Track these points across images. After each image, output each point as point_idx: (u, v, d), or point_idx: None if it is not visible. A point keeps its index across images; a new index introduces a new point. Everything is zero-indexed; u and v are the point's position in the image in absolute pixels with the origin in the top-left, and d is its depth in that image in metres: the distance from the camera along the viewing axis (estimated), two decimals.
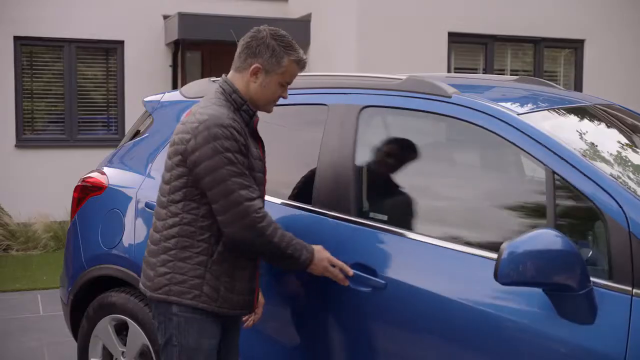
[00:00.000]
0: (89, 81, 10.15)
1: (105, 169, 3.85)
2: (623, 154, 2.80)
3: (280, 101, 2.77)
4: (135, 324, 3.46)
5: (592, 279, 2.28)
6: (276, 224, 2.59)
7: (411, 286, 2.64)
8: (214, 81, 3.62)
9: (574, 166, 2.43)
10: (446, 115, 2.79)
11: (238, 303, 2.68)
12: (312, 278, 2.77)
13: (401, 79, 2.95)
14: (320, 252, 2.69)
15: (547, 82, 3.77)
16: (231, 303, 2.66)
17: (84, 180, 3.88)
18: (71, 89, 9.94)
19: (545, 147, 2.50)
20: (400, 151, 3.04)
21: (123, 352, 3.57)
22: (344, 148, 2.97)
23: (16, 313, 6.04)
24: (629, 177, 2.59)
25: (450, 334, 2.55)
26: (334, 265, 2.71)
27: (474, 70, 9.63)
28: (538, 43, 9.77)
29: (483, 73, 9.50)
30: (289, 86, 2.73)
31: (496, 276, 2.21)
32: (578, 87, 10.01)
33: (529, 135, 2.55)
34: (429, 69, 8.72)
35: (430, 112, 2.84)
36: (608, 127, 3.09)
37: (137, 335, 3.46)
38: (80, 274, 3.73)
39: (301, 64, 2.68)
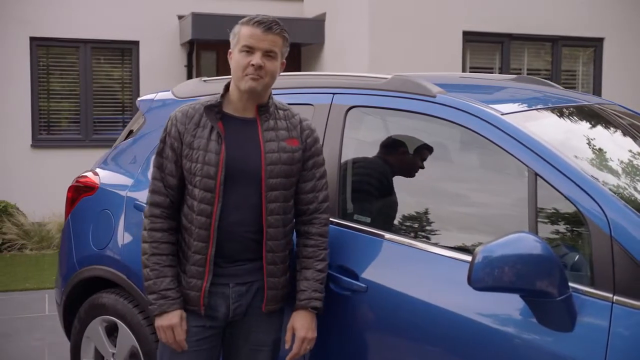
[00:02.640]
0: (105, 81, 10.20)
1: (98, 170, 3.84)
2: (612, 155, 2.72)
3: None
4: (124, 326, 3.44)
5: (573, 285, 2.22)
6: (155, 239, 2.62)
7: (391, 290, 2.58)
8: (205, 81, 3.59)
9: (555, 167, 2.35)
10: (430, 115, 2.72)
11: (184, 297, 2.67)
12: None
13: (386, 79, 2.90)
14: (171, 317, 2.59)
15: (546, 81, 3.69)
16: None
17: (77, 180, 3.87)
18: (87, 89, 10.00)
19: (527, 147, 2.43)
20: (386, 152, 2.98)
21: (114, 354, 3.54)
22: (330, 149, 2.92)
23: (22, 312, 6.07)
24: (615, 179, 2.51)
25: (430, 339, 2.48)
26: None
27: (489, 69, 9.52)
28: (556, 42, 9.63)
29: (499, 73, 9.39)
30: (288, 86, 2.73)
31: (469, 281, 2.14)
32: (597, 86, 9.85)
33: (511, 136, 2.47)
34: (443, 69, 8.63)
35: (415, 112, 2.77)
36: (601, 127, 3.00)
37: (126, 337, 3.44)
38: (72, 275, 3.72)
39: (251, 22, 2.55)
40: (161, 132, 2.70)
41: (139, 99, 3.98)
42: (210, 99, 2.66)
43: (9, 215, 8.81)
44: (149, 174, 3.09)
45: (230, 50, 2.64)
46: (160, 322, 2.59)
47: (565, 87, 9.68)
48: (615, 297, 2.16)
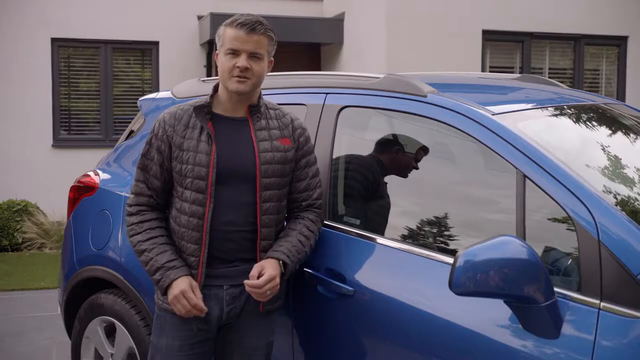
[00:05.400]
0: (125, 82, 10.27)
1: (99, 170, 3.85)
2: (609, 156, 2.64)
3: None
4: (122, 326, 3.43)
5: (560, 290, 2.15)
6: (143, 229, 2.59)
7: (379, 294, 2.53)
8: (204, 81, 3.58)
9: (543, 169, 2.28)
10: (421, 115, 2.67)
11: None
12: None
13: (379, 78, 2.85)
14: (179, 284, 2.50)
15: (551, 80, 3.61)
16: None
17: (78, 180, 3.88)
18: (107, 89, 10.07)
19: (516, 148, 2.36)
20: (378, 153, 2.93)
21: (112, 354, 3.54)
22: (322, 149, 2.88)
23: (34, 311, 6.12)
24: (609, 181, 2.43)
25: (416, 344, 2.43)
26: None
27: (510, 69, 9.39)
28: (578, 41, 9.47)
29: (519, 72, 9.26)
30: (278, 86, 2.78)
31: (450, 285, 2.08)
32: (621, 85, 9.67)
33: (500, 136, 2.41)
34: (462, 68, 8.53)
35: (406, 112, 2.72)
36: (600, 127, 2.92)
37: (124, 338, 3.43)
38: (72, 275, 3.73)
39: (235, 24, 2.52)
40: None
41: (140, 98, 3.99)
42: (199, 99, 2.64)
43: (29, 214, 8.90)
44: None
45: (216, 51, 2.61)
46: (171, 293, 2.50)
47: (589, 87, 9.57)
48: (602, 304, 2.09)
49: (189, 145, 2.54)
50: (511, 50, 9.36)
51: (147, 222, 2.61)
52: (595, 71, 9.83)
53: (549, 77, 9.14)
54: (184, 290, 2.48)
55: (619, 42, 9.64)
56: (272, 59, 2.62)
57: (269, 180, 2.56)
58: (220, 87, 2.62)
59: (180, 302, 2.49)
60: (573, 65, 9.58)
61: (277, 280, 2.49)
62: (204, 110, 2.58)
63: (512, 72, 9.32)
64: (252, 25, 2.51)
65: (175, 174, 2.58)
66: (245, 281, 2.47)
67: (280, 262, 2.52)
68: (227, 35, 2.54)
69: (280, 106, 2.72)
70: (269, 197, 2.57)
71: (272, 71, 2.77)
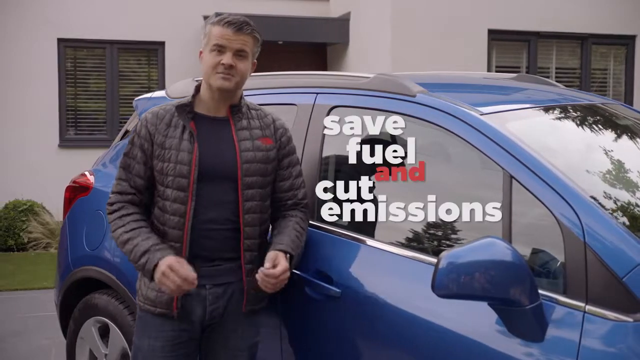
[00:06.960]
0: (131, 82, 10.29)
1: (95, 170, 3.85)
2: (596, 156, 2.60)
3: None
4: (115, 327, 3.43)
5: (546, 293, 2.13)
6: (126, 222, 2.54)
7: (365, 295, 2.51)
8: (197, 81, 3.56)
9: (530, 169, 2.25)
10: (410, 116, 2.65)
11: (154, 300, 2.58)
12: None
13: (369, 78, 2.83)
14: (165, 261, 2.42)
15: (547, 80, 3.57)
16: (150, 299, 2.60)
17: (73, 180, 3.88)
18: (113, 89, 10.10)
19: (502, 148, 2.33)
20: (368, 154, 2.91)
21: (106, 355, 3.54)
22: (312, 149, 2.86)
23: (35, 311, 6.14)
24: (595, 182, 2.40)
25: (401, 347, 2.41)
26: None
27: (516, 69, 9.34)
28: (585, 40, 9.40)
29: (526, 72, 9.21)
30: (270, 86, 2.77)
31: (433, 287, 2.06)
32: (629, 85, 9.61)
33: (487, 136, 2.39)
34: (468, 68, 8.48)
35: (395, 113, 2.70)
36: (592, 127, 2.88)
37: (117, 338, 3.43)
38: (67, 275, 3.73)
39: (222, 22, 2.53)
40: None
41: (136, 98, 3.98)
42: (181, 99, 2.65)
43: (35, 214, 8.93)
44: None
45: (200, 49, 2.62)
46: (158, 271, 2.40)
47: (597, 87, 9.50)
48: (587, 307, 2.06)
49: (171, 143, 2.55)
50: (517, 49, 9.31)
51: (130, 216, 2.58)
52: (603, 71, 9.77)
53: (556, 77, 9.12)
54: (171, 264, 2.39)
55: (627, 42, 9.56)
56: (255, 60, 2.64)
57: (251, 179, 2.57)
58: (203, 86, 2.64)
59: (168, 277, 2.39)
60: (580, 65, 9.52)
61: (288, 273, 2.49)
62: (186, 110, 2.60)
63: (518, 72, 9.27)
64: (239, 24, 2.54)
65: (157, 173, 2.58)
66: (262, 269, 2.44)
67: (287, 255, 2.51)
68: (213, 33, 2.55)
69: (262, 107, 2.73)
70: (251, 196, 2.57)
71: (272, 70, 2.77)
